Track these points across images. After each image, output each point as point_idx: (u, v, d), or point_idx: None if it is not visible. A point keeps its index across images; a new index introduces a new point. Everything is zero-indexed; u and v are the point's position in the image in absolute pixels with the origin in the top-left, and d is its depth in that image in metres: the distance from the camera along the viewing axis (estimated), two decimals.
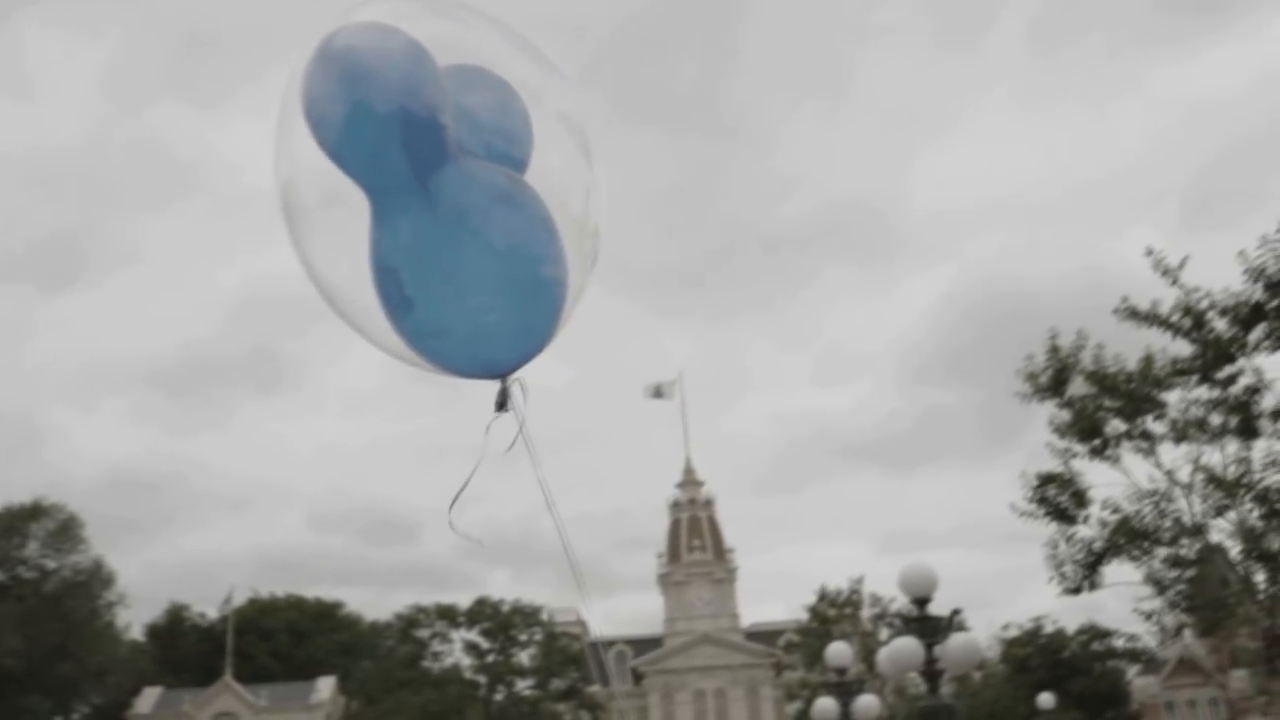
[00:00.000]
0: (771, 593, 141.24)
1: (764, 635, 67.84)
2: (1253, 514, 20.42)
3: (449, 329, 4.08)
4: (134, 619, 78.93)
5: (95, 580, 64.97)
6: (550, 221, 4.18)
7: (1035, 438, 22.04)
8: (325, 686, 64.62)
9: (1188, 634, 52.57)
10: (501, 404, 4.07)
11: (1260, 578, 20.56)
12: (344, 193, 4.20)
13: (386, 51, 4.04)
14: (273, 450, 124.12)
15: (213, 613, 73.51)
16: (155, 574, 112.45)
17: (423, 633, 58.86)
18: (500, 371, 4.09)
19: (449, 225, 4.02)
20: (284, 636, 73.08)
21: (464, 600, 59.64)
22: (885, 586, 54.29)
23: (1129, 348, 21.46)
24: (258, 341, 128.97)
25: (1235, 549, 20.86)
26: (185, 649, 73.28)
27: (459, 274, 4.04)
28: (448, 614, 58.76)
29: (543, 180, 4.25)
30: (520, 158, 4.30)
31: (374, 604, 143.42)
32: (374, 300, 4.14)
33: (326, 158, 4.08)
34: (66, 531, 63.59)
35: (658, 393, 64.53)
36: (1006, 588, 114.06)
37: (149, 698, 64.53)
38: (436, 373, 4.24)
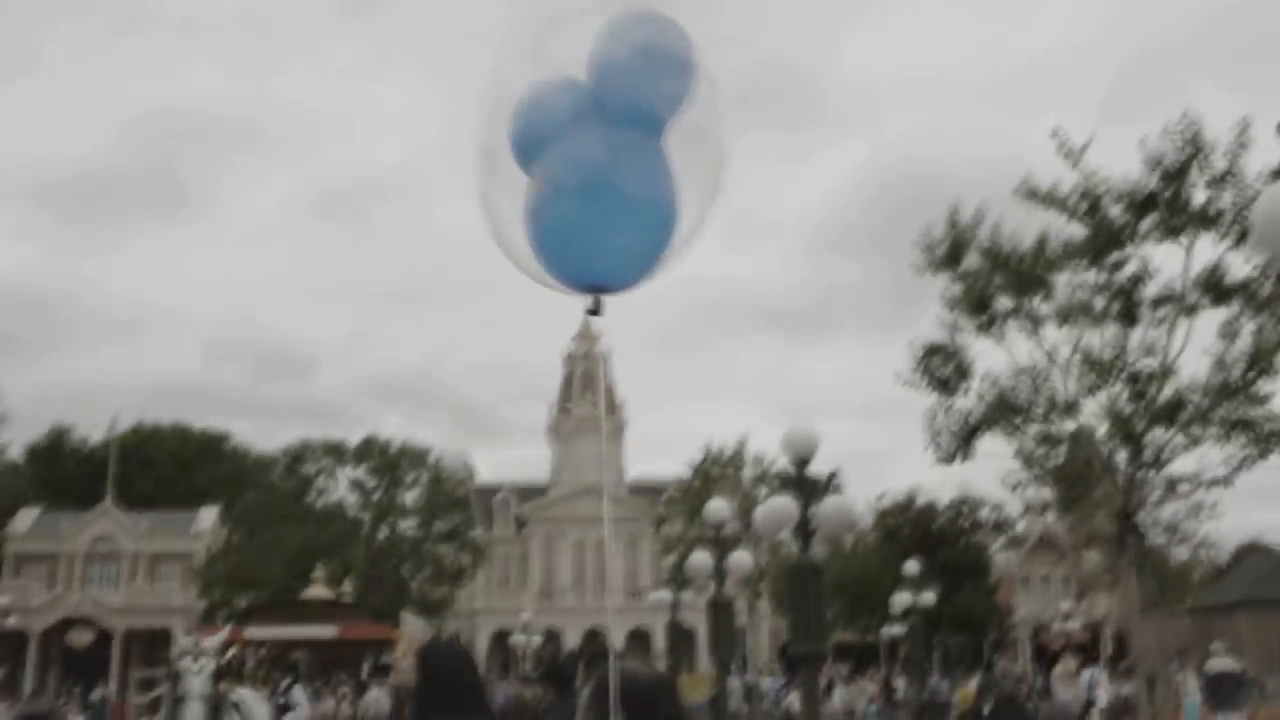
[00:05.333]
0: (660, 450, 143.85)
1: (648, 490, 69.21)
2: (1122, 396, 21.15)
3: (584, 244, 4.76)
4: (14, 439, 77.35)
5: None
6: (672, 174, 4.85)
7: (933, 316, 22.44)
8: (207, 516, 64.41)
9: (1049, 513, 55.04)
10: (594, 310, 4.84)
11: (1122, 458, 21.39)
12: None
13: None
14: (169, 275, 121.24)
15: (97, 437, 72.37)
16: (41, 395, 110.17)
17: (309, 468, 58.68)
18: (598, 290, 4.84)
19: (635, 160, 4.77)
20: (168, 465, 72.36)
21: (354, 438, 59.52)
22: (772, 451, 55.60)
23: (1029, 229, 21.77)
24: (160, 162, 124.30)
25: (1102, 429, 21.64)
26: (66, 472, 72.15)
27: (601, 211, 4.70)
28: (335, 451, 58.55)
29: (685, 132, 4.86)
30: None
31: (263, 437, 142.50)
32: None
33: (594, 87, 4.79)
34: None
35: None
36: (896, 462, 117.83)
37: (25, 518, 63.69)
38: (545, 284, 4.89)
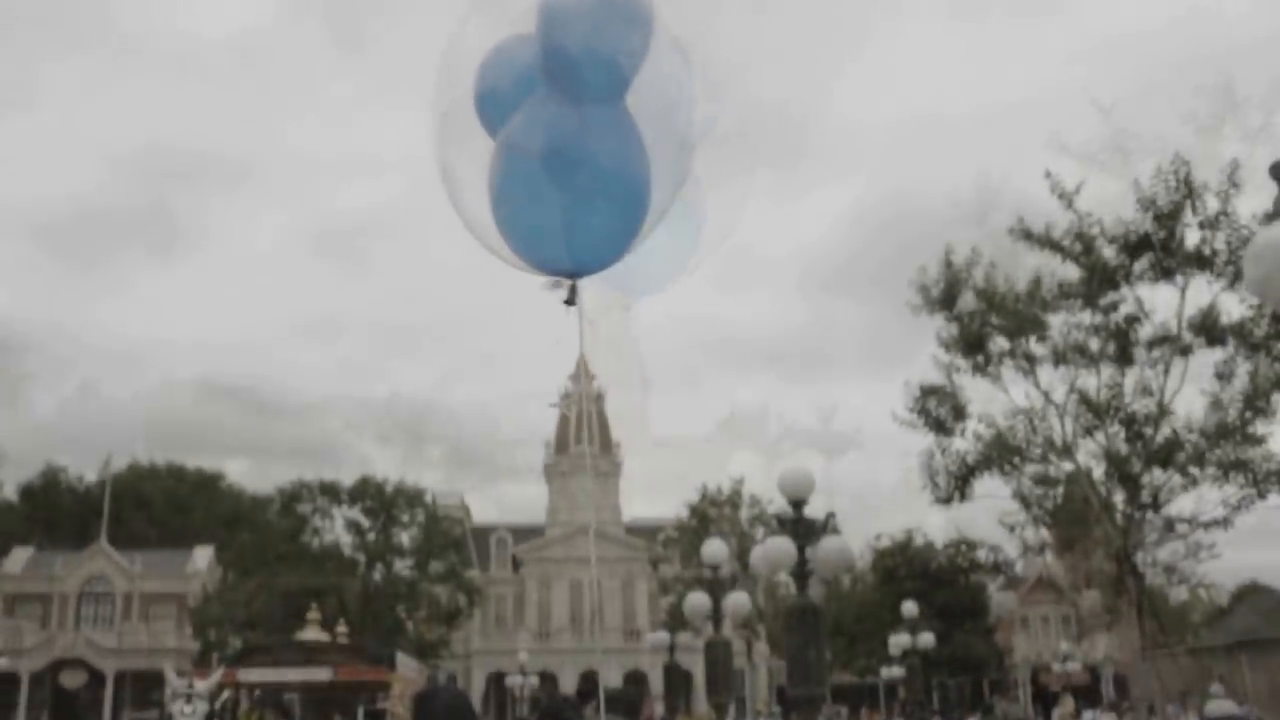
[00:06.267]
0: (655, 489, 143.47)
1: (644, 530, 68.92)
2: (1118, 437, 21.16)
3: (546, 225, 4.57)
4: (8, 478, 77.08)
5: None
6: (644, 146, 4.58)
7: (928, 356, 22.50)
8: (202, 556, 64.07)
9: (1048, 554, 54.78)
10: (569, 300, 4.68)
11: (1119, 498, 21.37)
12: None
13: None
14: (163, 313, 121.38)
15: (90, 476, 72.13)
16: (32, 434, 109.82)
17: (304, 508, 58.44)
18: (573, 274, 4.68)
19: (585, 141, 4.48)
20: (162, 504, 72.08)
21: (350, 478, 59.34)
22: (767, 490, 55.45)
23: (1022, 270, 21.91)
24: (154, 199, 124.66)
25: (1099, 470, 21.63)
26: (60, 511, 71.86)
27: (568, 184, 4.49)
28: (330, 490, 58.38)
29: (655, 100, 4.61)
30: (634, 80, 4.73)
31: (258, 477, 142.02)
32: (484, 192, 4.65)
33: (556, 58, 4.49)
34: None
35: (557, 283, 63.98)
36: (888, 501, 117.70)
37: (19, 558, 63.33)
38: (515, 266, 4.71)
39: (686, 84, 4.74)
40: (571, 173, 4.51)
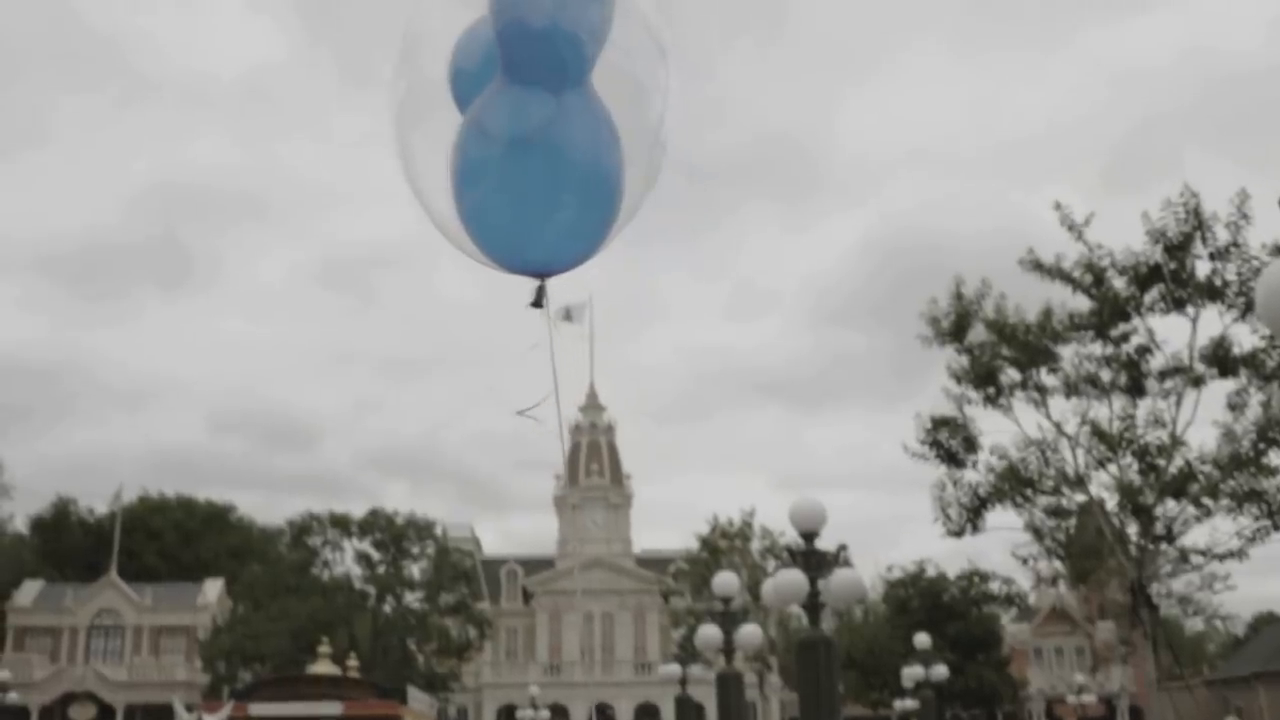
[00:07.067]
0: (666, 521, 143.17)
1: (655, 562, 68.67)
2: (1131, 468, 21.08)
3: (510, 219, 4.32)
4: (18, 510, 77.23)
5: None
6: (616, 135, 4.36)
7: (938, 387, 22.41)
8: (212, 589, 64.00)
9: (1061, 585, 54.41)
10: (536, 302, 4.40)
11: (1133, 530, 21.27)
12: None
13: None
14: (173, 346, 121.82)
15: (101, 508, 72.17)
16: (43, 467, 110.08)
17: (314, 540, 58.39)
18: (541, 271, 4.38)
19: (550, 128, 4.22)
20: (172, 537, 72.08)
21: (359, 510, 59.34)
22: (778, 522, 55.37)
23: (1032, 302, 21.91)
24: (165, 234, 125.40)
25: (1112, 502, 21.54)
26: (70, 544, 71.89)
27: (535, 173, 4.24)
28: (340, 523, 58.29)
29: (624, 87, 4.39)
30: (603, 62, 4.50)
31: (267, 509, 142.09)
32: (448, 189, 4.40)
33: (513, 45, 4.23)
34: None
35: (566, 315, 63.97)
36: (899, 532, 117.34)
37: (29, 591, 63.34)
38: (485, 264, 4.49)
39: (659, 70, 4.51)
40: (530, 160, 4.25)
